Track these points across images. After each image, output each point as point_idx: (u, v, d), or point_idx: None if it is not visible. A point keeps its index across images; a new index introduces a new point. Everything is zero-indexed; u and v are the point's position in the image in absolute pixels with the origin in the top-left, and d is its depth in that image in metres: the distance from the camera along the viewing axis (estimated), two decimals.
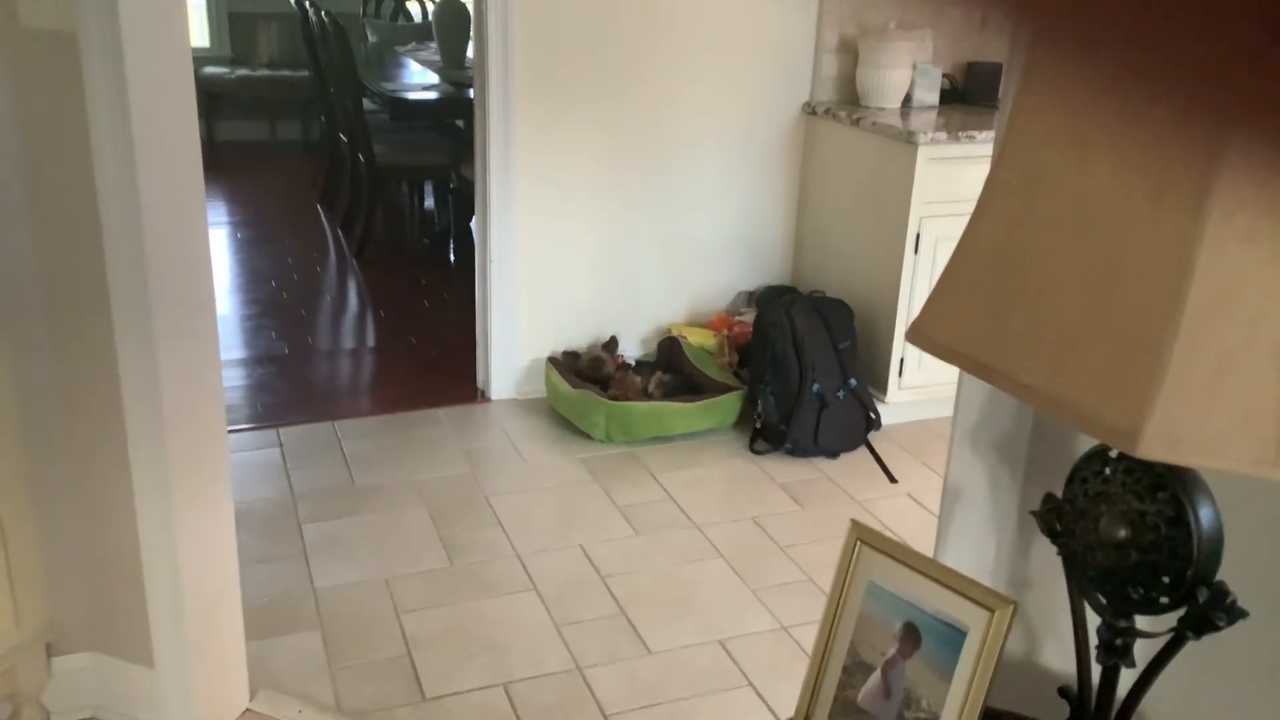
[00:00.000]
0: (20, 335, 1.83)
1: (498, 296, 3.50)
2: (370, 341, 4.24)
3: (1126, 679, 1.09)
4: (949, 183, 3.26)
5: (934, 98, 3.62)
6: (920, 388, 3.45)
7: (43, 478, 1.92)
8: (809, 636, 2.39)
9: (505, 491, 3.01)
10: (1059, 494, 1.12)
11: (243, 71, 7.25)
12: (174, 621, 1.97)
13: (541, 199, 3.46)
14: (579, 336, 3.64)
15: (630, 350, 3.71)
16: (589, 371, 3.45)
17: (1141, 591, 1.04)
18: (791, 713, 1.25)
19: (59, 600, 1.99)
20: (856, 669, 1.17)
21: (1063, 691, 1.15)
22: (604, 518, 2.89)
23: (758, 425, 3.32)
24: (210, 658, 2.03)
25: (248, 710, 2.11)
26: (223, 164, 6.78)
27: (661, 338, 3.67)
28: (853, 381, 3.30)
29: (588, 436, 3.31)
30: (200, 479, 1.93)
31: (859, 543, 1.20)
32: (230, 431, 3.18)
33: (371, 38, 6.75)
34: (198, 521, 1.95)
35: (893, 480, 3.17)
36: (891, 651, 1.14)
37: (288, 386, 3.71)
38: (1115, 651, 1.08)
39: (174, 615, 1.96)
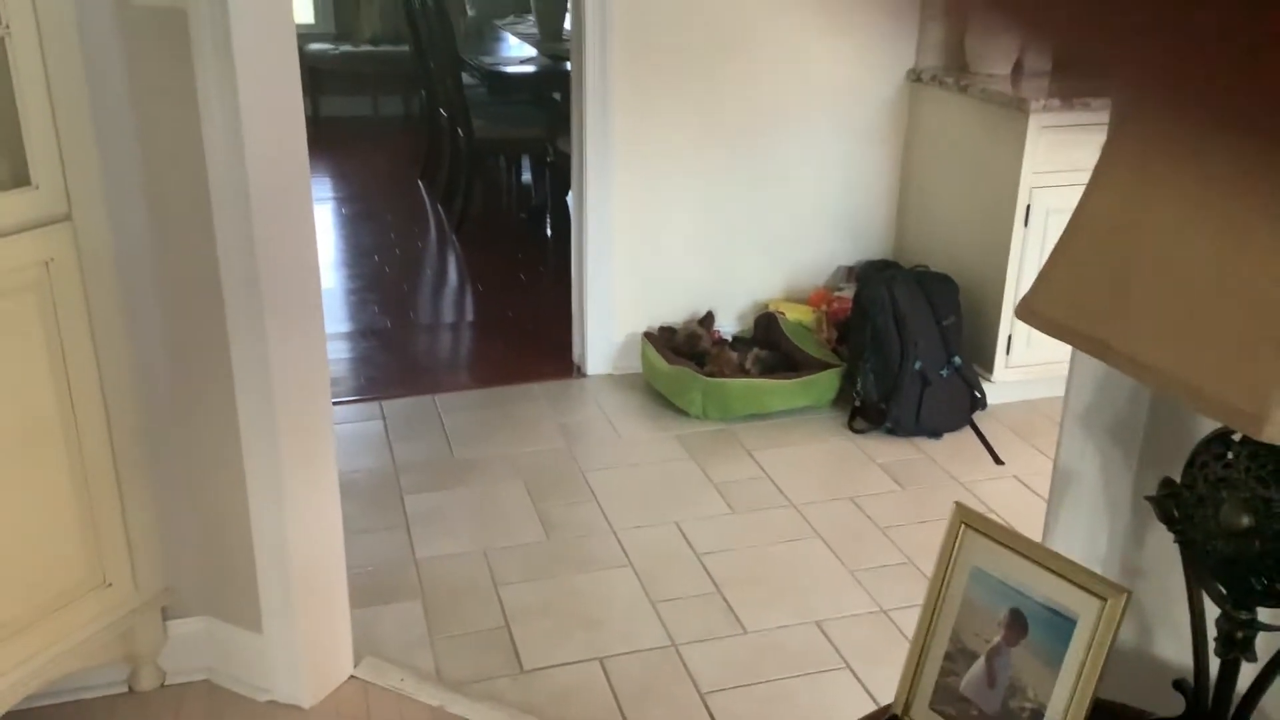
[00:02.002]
0: (135, 310, 1.90)
1: (594, 271, 3.51)
2: (469, 316, 4.29)
3: (1247, 673, 1.04)
4: (1062, 152, 3.14)
5: (1047, 62, 3.49)
6: (1029, 366, 3.34)
7: (158, 450, 1.99)
8: (908, 620, 2.34)
9: (601, 467, 3.02)
10: (1176, 479, 1.07)
11: (346, 47, 7.38)
12: (281, 589, 2.03)
13: (638, 172, 3.45)
14: (675, 312, 3.63)
15: (727, 326, 3.68)
16: (685, 347, 3.43)
17: (1265, 582, 0.98)
18: (889, 697, 1.23)
19: (174, 566, 2.06)
20: (959, 656, 1.14)
21: (1178, 685, 1.10)
22: (699, 495, 2.88)
23: (857, 403, 3.26)
24: (316, 624, 2.08)
25: (351, 677, 2.16)
26: (327, 139, 6.92)
27: (759, 313, 3.63)
28: (957, 359, 3.22)
29: (683, 413, 3.30)
30: (307, 451, 1.98)
31: (964, 526, 1.16)
32: (335, 404, 3.26)
33: (470, 12, 6.82)
34: (304, 492, 2.00)
35: (998, 462, 3.09)
36: (996, 639, 1.11)
37: (390, 360, 3.78)
38: (1235, 644, 1.03)
39: (281, 582, 2.02)
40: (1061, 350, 1.40)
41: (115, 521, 1.93)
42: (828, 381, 3.32)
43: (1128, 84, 0.29)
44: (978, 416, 3.27)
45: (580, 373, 3.63)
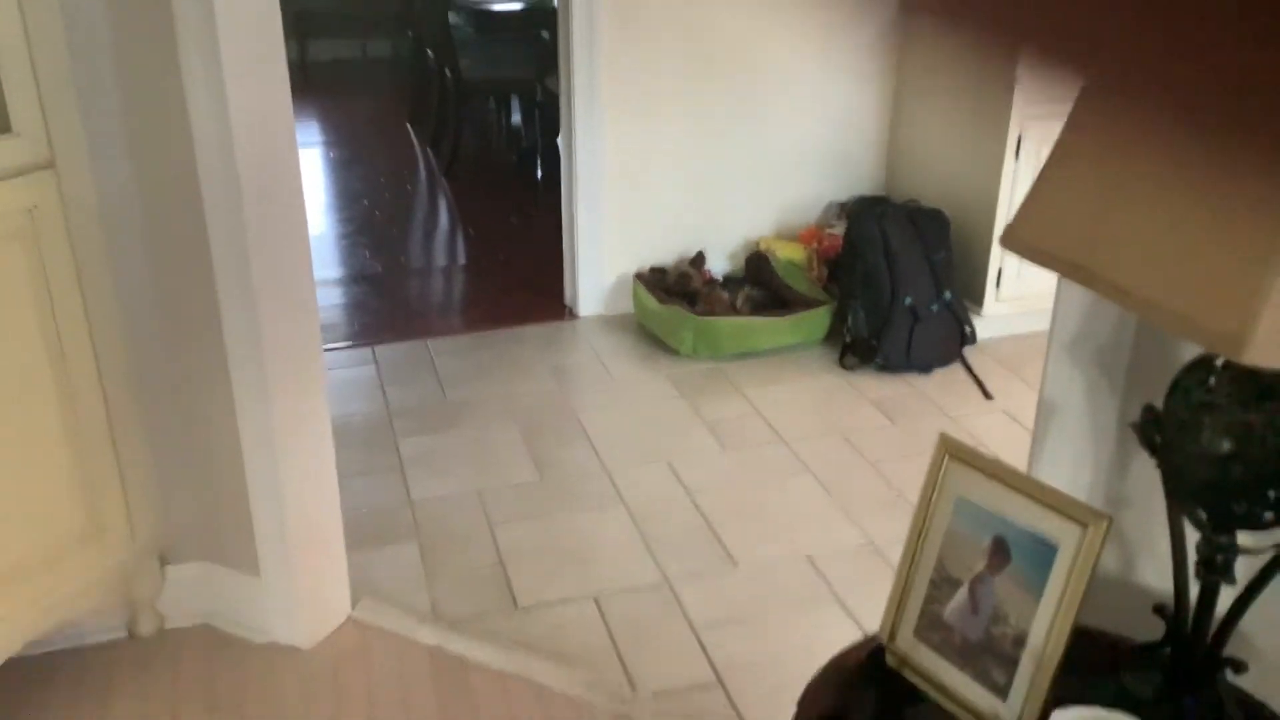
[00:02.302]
0: (123, 257, 1.88)
1: (584, 213, 3.49)
2: (460, 259, 4.27)
3: (1226, 597, 1.05)
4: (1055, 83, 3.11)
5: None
6: (1019, 299, 3.34)
7: (151, 397, 1.99)
8: (898, 553, 2.37)
9: (593, 407, 3.03)
10: (1160, 406, 1.07)
11: None
12: (277, 532, 2.04)
13: (627, 112, 3.41)
14: (666, 252, 3.61)
15: (718, 265, 3.67)
16: (676, 287, 3.43)
17: (1245, 506, 0.99)
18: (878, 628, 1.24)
19: (170, 513, 2.07)
20: (943, 584, 1.16)
21: (1158, 609, 1.12)
22: (691, 433, 2.90)
23: (847, 340, 3.26)
24: (312, 567, 2.10)
25: (349, 618, 2.19)
26: (315, 83, 6.84)
27: (750, 252, 3.62)
28: (947, 294, 3.22)
29: (675, 352, 3.30)
30: (299, 396, 1.98)
31: (947, 457, 1.17)
32: (329, 350, 3.26)
33: None
34: (298, 437, 2.00)
35: (988, 396, 3.10)
36: (980, 567, 1.12)
37: (382, 305, 3.78)
38: (1215, 568, 1.04)
39: (277, 526, 2.04)
40: (1051, 282, 1.40)
41: (110, 469, 1.94)
42: (818, 319, 3.32)
43: (1113, 85, 0.29)
44: (968, 351, 3.28)
45: (572, 314, 3.62)
